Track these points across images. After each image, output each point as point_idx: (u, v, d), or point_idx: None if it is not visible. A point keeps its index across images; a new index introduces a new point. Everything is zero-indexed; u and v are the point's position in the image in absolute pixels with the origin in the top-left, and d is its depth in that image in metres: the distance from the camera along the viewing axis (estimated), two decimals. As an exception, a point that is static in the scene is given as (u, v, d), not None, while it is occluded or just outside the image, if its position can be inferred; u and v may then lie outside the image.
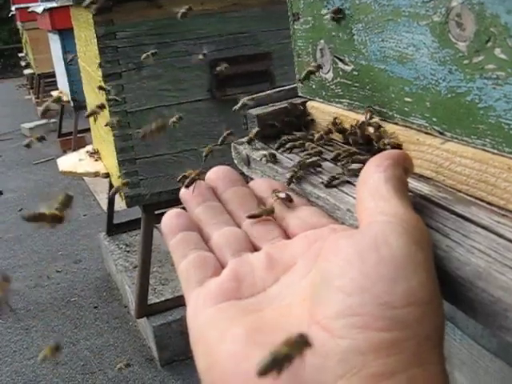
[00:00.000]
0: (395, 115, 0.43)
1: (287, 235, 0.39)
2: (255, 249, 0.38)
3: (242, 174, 0.51)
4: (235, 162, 0.55)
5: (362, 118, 0.46)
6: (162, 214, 0.41)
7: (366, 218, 0.31)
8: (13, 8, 6.53)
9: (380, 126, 0.44)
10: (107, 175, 2.21)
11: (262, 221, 0.40)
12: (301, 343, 0.25)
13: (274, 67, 2.01)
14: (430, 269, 0.29)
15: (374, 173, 0.33)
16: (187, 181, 0.42)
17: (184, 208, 0.42)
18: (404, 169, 0.35)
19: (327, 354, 0.26)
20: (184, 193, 0.42)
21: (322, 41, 0.51)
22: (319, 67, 0.51)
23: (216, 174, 0.43)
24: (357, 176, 0.37)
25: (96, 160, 2.36)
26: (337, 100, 0.50)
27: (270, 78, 2.01)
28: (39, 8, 4.09)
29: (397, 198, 0.31)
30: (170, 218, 0.40)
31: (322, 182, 0.42)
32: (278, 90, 0.58)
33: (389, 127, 0.43)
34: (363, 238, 0.30)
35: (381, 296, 0.27)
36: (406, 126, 0.42)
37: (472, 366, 0.44)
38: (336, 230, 0.36)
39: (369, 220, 0.31)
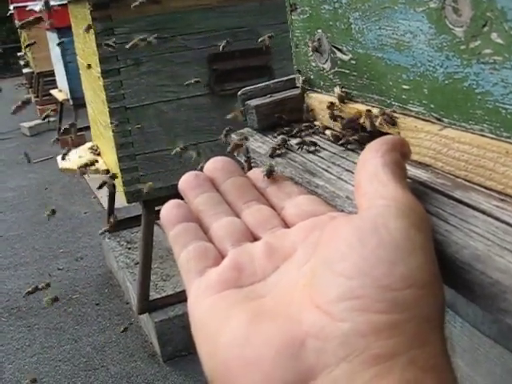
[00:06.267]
0: (393, 103, 0.43)
1: (286, 224, 0.39)
2: (255, 238, 0.38)
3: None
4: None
5: (360, 107, 0.46)
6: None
7: (365, 203, 0.32)
8: (11, 7, 6.51)
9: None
10: (107, 171, 2.21)
11: (262, 209, 0.40)
12: None
13: (273, 61, 2.01)
14: (429, 251, 0.29)
15: (372, 158, 0.33)
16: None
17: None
18: (402, 154, 0.35)
19: (328, 337, 0.27)
20: (183, 184, 0.42)
21: (319, 30, 0.51)
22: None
23: (214, 165, 0.43)
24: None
25: (96, 155, 2.36)
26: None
27: (269, 72, 2.00)
28: (37, 7, 4.08)
29: (395, 182, 0.32)
30: (169, 209, 0.39)
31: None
32: (276, 80, 0.58)
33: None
34: (363, 223, 0.30)
35: (380, 279, 0.27)
36: (404, 114, 0.42)
37: (473, 353, 0.44)
38: (335, 217, 0.36)
39: (368, 204, 0.31)
